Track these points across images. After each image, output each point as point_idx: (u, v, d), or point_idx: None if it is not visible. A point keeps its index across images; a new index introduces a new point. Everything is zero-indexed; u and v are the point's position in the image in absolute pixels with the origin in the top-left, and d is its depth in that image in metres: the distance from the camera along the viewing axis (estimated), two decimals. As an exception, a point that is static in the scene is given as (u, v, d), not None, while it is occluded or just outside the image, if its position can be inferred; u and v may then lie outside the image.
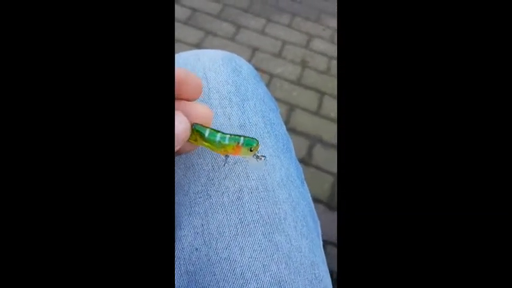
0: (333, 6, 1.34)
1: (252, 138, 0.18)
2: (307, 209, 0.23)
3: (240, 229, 0.19)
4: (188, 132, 0.17)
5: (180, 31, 1.09)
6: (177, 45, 1.04)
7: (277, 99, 0.95)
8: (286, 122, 0.91)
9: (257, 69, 1.02)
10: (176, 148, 0.16)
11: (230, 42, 1.09)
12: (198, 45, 1.06)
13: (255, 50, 1.08)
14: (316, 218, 0.24)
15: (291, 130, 0.89)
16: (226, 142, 0.18)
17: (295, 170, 0.24)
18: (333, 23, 1.26)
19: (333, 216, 0.76)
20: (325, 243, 0.72)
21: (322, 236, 0.80)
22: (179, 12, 1.15)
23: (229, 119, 0.22)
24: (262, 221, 0.19)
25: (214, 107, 0.23)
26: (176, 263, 0.19)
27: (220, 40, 1.09)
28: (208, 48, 1.04)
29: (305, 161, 0.84)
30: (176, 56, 0.28)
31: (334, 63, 1.10)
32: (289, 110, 0.94)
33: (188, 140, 0.18)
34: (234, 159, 0.21)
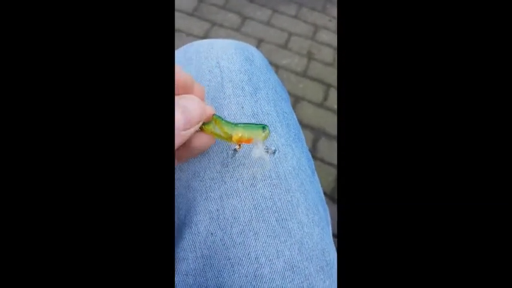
0: (340, -4, 1.32)
1: (260, 126, 0.19)
2: (318, 197, 0.23)
3: (254, 214, 0.19)
4: (204, 113, 0.18)
5: (186, 22, 1.09)
6: (183, 36, 1.04)
7: (283, 91, 0.96)
8: (292, 114, 0.92)
9: (263, 61, 1.02)
10: (195, 128, 0.17)
11: (236, 33, 1.08)
12: (204, 37, 1.06)
13: (260, 41, 1.08)
14: (326, 207, 0.25)
15: (296, 122, 0.90)
16: (234, 132, 0.19)
17: (306, 159, 0.24)
18: (340, 13, 1.24)
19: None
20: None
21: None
22: (185, 3, 1.15)
23: (243, 107, 0.23)
24: (276, 208, 0.20)
25: (227, 96, 0.23)
26: (192, 247, 0.20)
27: (226, 31, 1.08)
28: (214, 40, 1.04)
29: (310, 153, 0.85)
30: (189, 44, 0.28)
31: (340, 54, 1.09)
32: (294, 102, 0.94)
33: (204, 131, 0.19)
34: (243, 154, 0.22)
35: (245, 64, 0.25)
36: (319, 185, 0.25)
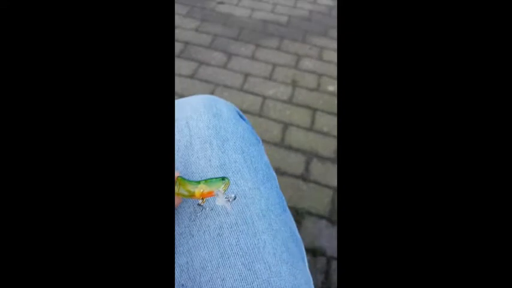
0: (317, 26, 1.40)
1: (220, 178, 0.21)
2: (288, 234, 0.24)
3: (221, 262, 0.21)
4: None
5: (175, 64, 1.15)
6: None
7: (272, 119, 0.99)
8: (282, 141, 0.94)
9: (250, 93, 1.07)
10: None
11: (223, 70, 1.14)
12: (192, 76, 1.11)
13: (247, 75, 1.13)
14: (300, 242, 0.26)
15: (287, 147, 0.92)
16: (196, 189, 0.21)
17: (276, 198, 0.26)
18: (319, 41, 1.32)
19: (335, 231, 0.76)
20: (330, 259, 0.72)
21: (327, 251, 0.79)
22: (173, 46, 1.22)
23: (210, 161, 0.25)
24: (242, 253, 0.21)
25: (196, 152, 0.25)
26: None
27: (213, 69, 1.14)
28: (201, 78, 1.09)
29: (303, 177, 0.86)
30: None
31: (323, 79, 1.14)
32: (283, 129, 0.97)
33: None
34: (210, 206, 0.23)
35: (213, 120, 0.27)
36: (292, 220, 0.26)
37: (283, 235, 0.23)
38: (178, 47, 1.23)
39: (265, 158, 0.30)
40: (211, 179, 0.21)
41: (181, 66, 1.15)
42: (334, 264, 0.71)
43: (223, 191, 0.21)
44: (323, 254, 0.72)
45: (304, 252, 0.26)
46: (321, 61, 1.22)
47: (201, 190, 0.21)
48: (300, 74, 1.16)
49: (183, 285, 0.20)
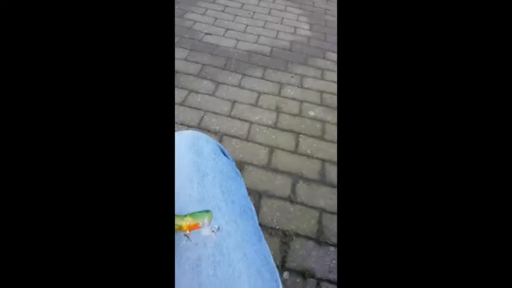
0: (297, 56, 1.52)
1: (204, 211, 0.23)
2: (262, 263, 0.26)
3: None
4: None
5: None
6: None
7: (258, 143, 1.05)
8: (269, 163, 1.00)
9: (237, 119, 1.13)
10: None
11: (211, 97, 1.21)
12: (182, 103, 1.17)
13: (234, 102, 1.21)
14: (274, 269, 0.28)
15: (274, 170, 0.98)
16: (183, 222, 0.23)
17: (252, 229, 0.28)
18: (299, 70, 1.43)
19: (323, 251, 0.80)
20: (320, 280, 0.75)
21: (316, 273, 0.82)
22: (163, 75, 1.28)
23: (190, 196, 0.27)
24: (218, 282, 0.23)
25: (178, 187, 0.28)
26: None
27: (202, 96, 1.21)
28: (191, 105, 1.15)
29: (290, 199, 0.91)
30: None
31: (305, 105, 1.24)
32: (270, 152, 1.03)
33: None
34: (195, 239, 0.25)
35: (194, 157, 0.31)
36: (267, 250, 0.29)
37: (257, 264, 0.25)
38: (168, 75, 1.29)
39: (243, 191, 0.32)
40: (196, 212, 0.24)
41: (171, 94, 1.21)
42: (325, 286, 0.74)
43: (208, 223, 0.24)
44: (312, 276, 0.75)
45: (278, 276, 0.28)
46: (302, 88, 1.32)
47: (188, 223, 0.23)
48: (283, 100, 1.25)
49: None
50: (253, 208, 0.32)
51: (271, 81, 1.34)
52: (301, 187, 0.94)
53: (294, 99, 1.26)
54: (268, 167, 0.98)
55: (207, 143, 0.33)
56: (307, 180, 0.96)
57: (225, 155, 0.35)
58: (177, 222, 0.23)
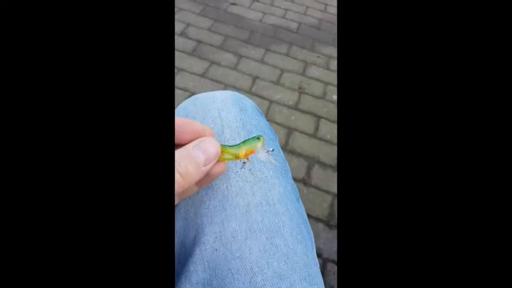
0: (326, 35, 1.45)
1: (255, 137, 0.24)
2: (301, 220, 0.28)
3: (249, 235, 0.24)
4: (219, 151, 0.23)
5: (187, 61, 1.18)
6: (183, 75, 1.13)
7: (277, 124, 1.03)
8: (286, 145, 0.98)
9: (258, 96, 1.10)
10: (213, 163, 0.22)
11: (232, 71, 1.18)
12: (203, 75, 1.15)
13: (255, 78, 1.17)
14: (310, 229, 0.30)
15: (290, 152, 0.96)
16: (243, 146, 0.24)
17: (291, 189, 0.30)
18: (327, 50, 1.36)
19: (332, 234, 0.80)
20: (326, 260, 0.76)
21: (323, 253, 0.83)
22: (186, 44, 1.25)
23: None
24: (266, 229, 0.25)
25: (226, 140, 0.29)
26: (201, 261, 0.24)
27: (223, 69, 1.18)
28: (212, 77, 1.12)
29: (304, 181, 0.90)
30: (194, 97, 0.34)
31: (330, 88, 1.19)
32: (288, 134, 1.01)
33: (219, 160, 0.24)
34: (249, 166, 0.27)
35: (240, 113, 0.31)
36: (303, 211, 0.31)
37: (297, 220, 0.27)
38: (191, 44, 1.26)
39: (282, 153, 0.33)
40: (247, 140, 0.25)
41: (193, 64, 1.18)
42: (330, 266, 0.75)
43: (261, 147, 0.24)
44: (319, 255, 0.76)
45: (313, 239, 0.30)
46: (328, 70, 1.26)
47: (243, 151, 0.24)
48: (307, 81, 1.20)
49: (216, 249, 0.24)
50: (290, 171, 0.33)
51: (296, 59, 1.29)
52: (317, 171, 0.93)
53: (318, 80, 1.21)
54: (285, 148, 0.96)
55: (249, 103, 0.34)
56: (324, 165, 0.94)
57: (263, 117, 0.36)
58: (234, 151, 0.24)
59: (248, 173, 0.27)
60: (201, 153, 0.22)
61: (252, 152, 0.24)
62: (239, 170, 0.27)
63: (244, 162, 0.26)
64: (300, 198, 0.31)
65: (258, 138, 0.24)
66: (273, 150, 0.25)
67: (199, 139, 0.23)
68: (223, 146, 0.25)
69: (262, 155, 0.24)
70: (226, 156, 0.25)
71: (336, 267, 0.74)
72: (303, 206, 0.31)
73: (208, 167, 0.22)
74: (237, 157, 0.25)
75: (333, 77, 1.23)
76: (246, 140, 0.25)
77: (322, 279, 0.26)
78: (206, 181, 0.25)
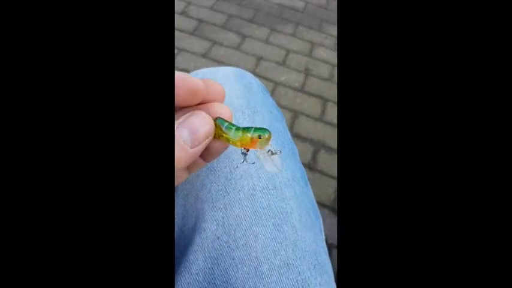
0: (334, 15, 1.37)
1: (263, 128, 0.19)
2: (310, 206, 0.26)
3: (254, 220, 0.22)
4: (212, 129, 0.18)
5: (188, 41, 1.13)
6: (184, 55, 1.08)
7: (282, 106, 0.99)
8: (291, 128, 0.94)
9: (262, 77, 1.05)
10: (205, 143, 0.18)
11: (235, 51, 1.13)
12: (204, 55, 1.10)
13: (259, 58, 1.12)
14: (319, 215, 0.27)
15: (296, 136, 0.92)
16: (240, 134, 0.19)
17: (299, 172, 0.27)
18: (335, 31, 1.29)
19: (337, 221, 0.78)
20: (331, 246, 0.74)
21: (328, 239, 0.81)
22: (186, 23, 1.20)
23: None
24: (272, 214, 0.22)
25: (228, 119, 0.26)
26: (201, 250, 0.22)
27: (226, 50, 1.12)
28: (214, 58, 1.08)
29: (310, 165, 0.87)
30: (194, 72, 0.31)
31: (337, 70, 1.13)
32: (293, 117, 0.97)
33: (219, 139, 0.20)
34: (252, 159, 0.22)
35: (244, 91, 0.28)
36: (312, 195, 0.28)
37: (306, 205, 0.25)
38: (192, 24, 1.20)
39: (289, 135, 0.30)
40: (249, 128, 0.20)
41: (194, 44, 1.13)
42: (335, 252, 0.72)
43: (264, 146, 0.19)
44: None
45: (322, 226, 0.27)
46: (336, 51, 1.21)
47: (238, 142, 0.19)
48: (313, 62, 1.14)
49: (218, 237, 0.22)
50: (297, 153, 0.30)
51: (302, 39, 1.23)
52: (322, 156, 0.89)
53: (325, 62, 1.16)
54: (290, 132, 0.92)
55: (254, 80, 0.31)
56: (330, 149, 0.90)
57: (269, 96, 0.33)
58: (228, 135, 0.20)
59: (253, 155, 0.24)
60: (187, 133, 0.17)
61: (248, 146, 0.19)
62: (231, 174, 0.23)
63: (245, 154, 0.21)
64: (308, 182, 0.28)
65: (264, 132, 0.19)
66: (280, 151, 0.20)
67: (187, 114, 0.18)
68: (219, 122, 0.19)
69: (262, 155, 0.19)
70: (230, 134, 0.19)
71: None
72: (311, 190, 0.28)
73: (198, 148, 0.18)
74: (232, 143, 0.20)
75: (341, 59, 1.18)
76: (247, 128, 0.19)
77: (331, 268, 0.23)
78: (207, 159, 0.21)
